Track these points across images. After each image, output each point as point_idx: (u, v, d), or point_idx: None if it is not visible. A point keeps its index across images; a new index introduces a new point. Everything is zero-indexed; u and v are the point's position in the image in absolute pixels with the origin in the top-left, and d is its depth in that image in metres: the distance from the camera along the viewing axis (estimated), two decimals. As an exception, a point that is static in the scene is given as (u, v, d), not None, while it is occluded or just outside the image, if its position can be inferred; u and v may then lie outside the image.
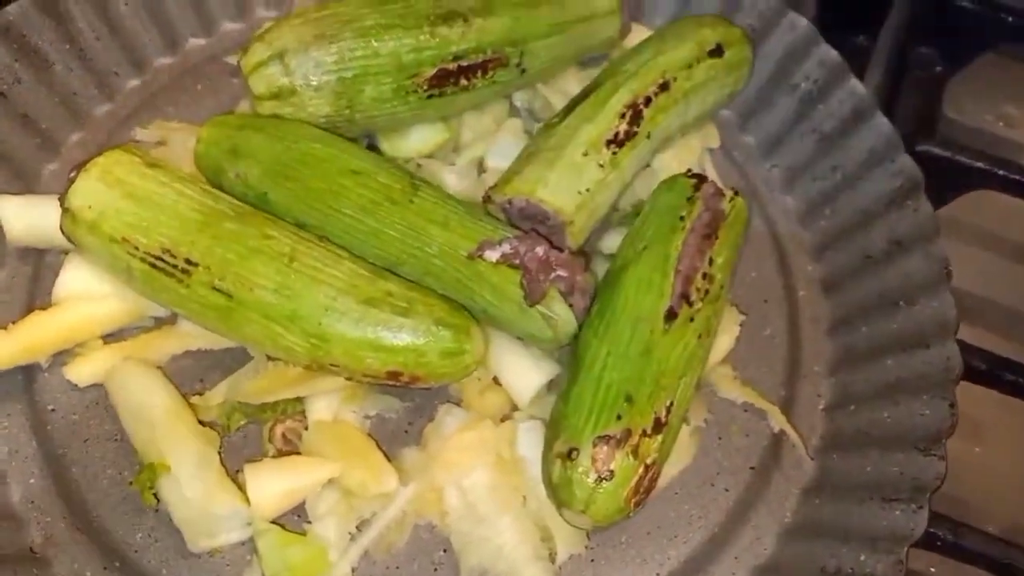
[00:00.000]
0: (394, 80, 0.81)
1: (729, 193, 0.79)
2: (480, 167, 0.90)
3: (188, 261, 0.70)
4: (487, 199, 0.80)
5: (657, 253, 0.74)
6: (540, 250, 0.74)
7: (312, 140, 0.77)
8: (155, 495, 0.71)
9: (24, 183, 0.88)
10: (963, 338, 0.79)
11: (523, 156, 0.82)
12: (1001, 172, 0.96)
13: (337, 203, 0.74)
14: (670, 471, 0.76)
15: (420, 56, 0.81)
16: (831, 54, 0.92)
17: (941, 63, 1.16)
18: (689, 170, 0.84)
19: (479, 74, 0.84)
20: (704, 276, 0.74)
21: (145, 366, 0.76)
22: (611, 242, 0.85)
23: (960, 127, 1.13)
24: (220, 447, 0.74)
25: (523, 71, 0.88)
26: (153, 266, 0.71)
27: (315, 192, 0.74)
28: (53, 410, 0.77)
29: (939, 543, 0.77)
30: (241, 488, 0.72)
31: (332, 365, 0.70)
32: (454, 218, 0.74)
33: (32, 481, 0.75)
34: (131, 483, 0.72)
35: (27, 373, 0.78)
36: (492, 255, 0.73)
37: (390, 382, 0.71)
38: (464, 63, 0.83)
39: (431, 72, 0.82)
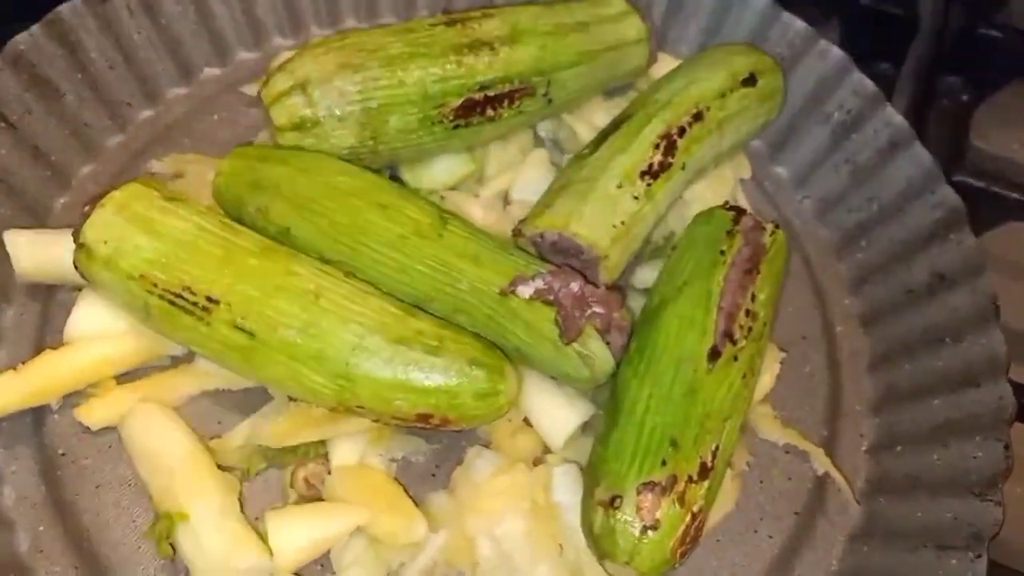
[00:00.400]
0: (420, 110, 0.78)
1: (769, 226, 0.76)
2: (506, 199, 0.88)
3: (209, 299, 0.67)
4: (517, 233, 0.78)
5: (698, 289, 0.71)
6: (575, 286, 0.70)
7: (337, 173, 0.74)
8: (171, 545, 0.67)
9: (34, 217, 0.85)
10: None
11: (554, 188, 0.79)
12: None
13: (364, 238, 0.71)
14: (712, 517, 0.72)
15: (446, 86, 0.79)
16: (865, 83, 0.90)
17: (967, 91, 1.14)
18: (726, 202, 0.81)
19: (506, 104, 0.82)
20: (747, 313, 0.71)
21: (161, 409, 0.72)
22: (644, 276, 0.82)
23: (986, 156, 1.10)
24: (239, 493, 0.71)
25: (550, 101, 0.85)
26: (172, 304, 0.67)
27: (341, 227, 0.71)
28: (64, 454, 0.73)
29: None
30: (262, 537, 0.68)
31: (359, 407, 0.67)
32: (485, 253, 0.71)
33: (41, 529, 0.71)
34: (146, 532, 0.69)
35: (37, 415, 0.75)
36: (525, 291, 0.70)
37: (419, 424, 0.68)
38: (491, 93, 0.81)
39: (458, 102, 0.79)
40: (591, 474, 0.67)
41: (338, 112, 0.75)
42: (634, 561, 0.63)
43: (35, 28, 0.86)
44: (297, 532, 0.67)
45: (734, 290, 0.71)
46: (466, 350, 0.67)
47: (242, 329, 0.66)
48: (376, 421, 0.70)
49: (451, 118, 0.80)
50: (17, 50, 0.85)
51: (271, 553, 0.67)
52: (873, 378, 0.83)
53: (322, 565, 0.69)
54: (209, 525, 0.66)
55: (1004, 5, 1.17)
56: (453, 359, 0.66)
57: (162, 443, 0.70)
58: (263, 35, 1.00)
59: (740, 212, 0.76)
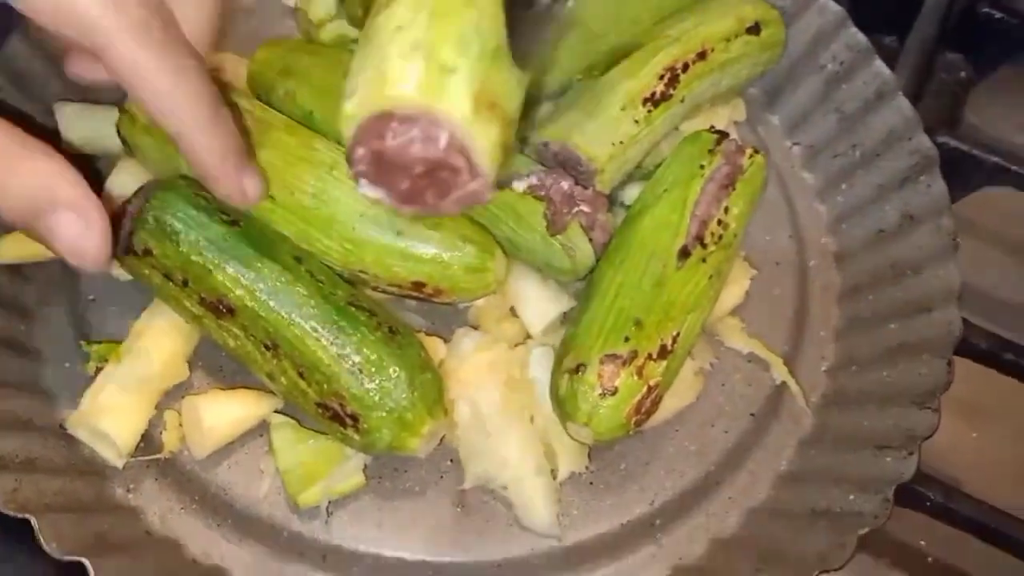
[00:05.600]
0: None
1: (749, 150, 0.83)
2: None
3: (235, 162, 0.74)
4: (523, 139, 0.84)
5: (676, 196, 0.78)
6: (565, 184, 0.77)
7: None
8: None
9: (83, 94, 0.92)
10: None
11: (564, 103, 0.86)
12: (1015, 168, 0.98)
13: (378, 125, 0.78)
14: (672, 406, 0.79)
15: None
16: (859, 37, 0.96)
17: (967, 69, 1.19)
18: (712, 127, 0.87)
19: None
20: (719, 223, 0.78)
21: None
22: (631, 193, 0.88)
23: (981, 133, 1.15)
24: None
25: None
26: (202, 166, 0.75)
27: (358, 113, 0.79)
28: (93, 300, 0.82)
29: (929, 503, 0.79)
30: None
31: (361, 271, 0.74)
32: (486, 150, 0.78)
33: (67, 365, 0.79)
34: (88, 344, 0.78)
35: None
36: (519, 185, 0.77)
37: (414, 293, 0.75)
38: None
39: None
40: (562, 347, 0.74)
41: None
42: (592, 422, 0.70)
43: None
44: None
45: (709, 201, 0.78)
46: (460, 228, 0.74)
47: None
48: (375, 289, 0.77)
49: None
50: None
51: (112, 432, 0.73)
52: (840, 308, 0.90)
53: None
54: (119, 376, 0.74)
55: (1009, -12, 1.22)
56: (448, 234, 0.73)
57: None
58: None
59: (723, 135, 0.83)
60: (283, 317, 0.70)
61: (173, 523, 0.73)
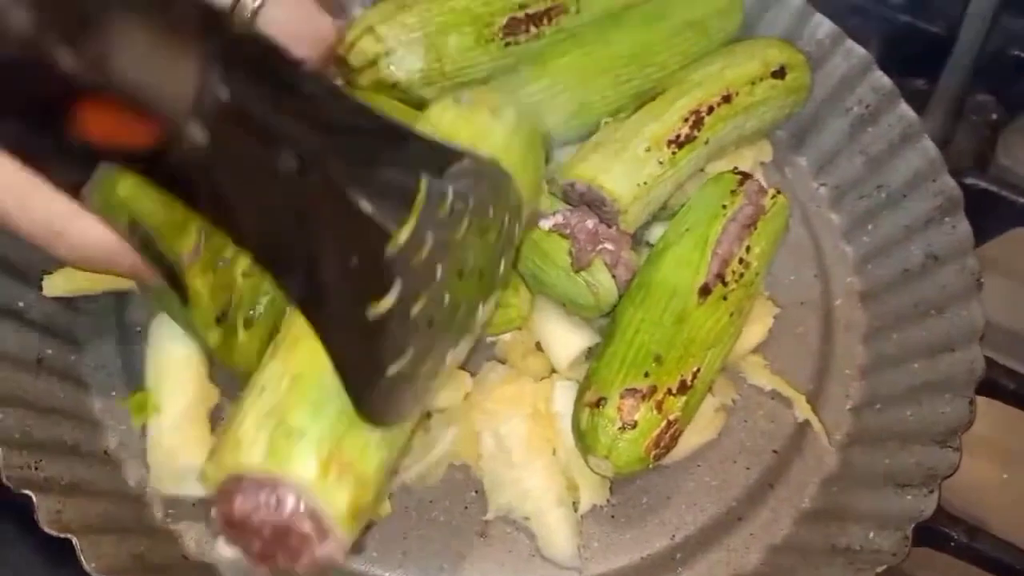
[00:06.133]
0: (473, 30, 0.91)
1: (772, 191, 0.84)
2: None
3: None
4: (551, 180, 0.87)
5: (697, 235, 0.80)
6: (590, 223, 0.80)
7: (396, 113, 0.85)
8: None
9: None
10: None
11: (590, 145, 0.89)
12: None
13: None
14: (694, 441, 0.80)
15: (491, 8, 0.92)
16: (884, 80, 0.97)
17: (997, 110, 1.20)
18: (735, 168, 0.89)
19: (545, 21, 0.94)
20: (740, 261, 0.80)
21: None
22: (656, 232, 0.90)
23: (1011, 173, 1.16)
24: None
25: (579, 12, 0.97)
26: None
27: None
28: (139, 331, 0.85)
29: (952, 543, 0.79)
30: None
31: (391, 306, 0.77)
32: (514, 190, 0.81)
33: (114, 393, 0.82)
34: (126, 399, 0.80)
35: (119, 298, 0.86)
36: (545, 224, 0.80)
37: (441, 328, 0.78)
38: (530, 11, 0.94)
39: (503, 21, 0.92)
40: (584, 382, 0.76)
41: (404, 39, 0.88)
42: (612, 455, 0.71)
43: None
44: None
45: (731, 240, 0.80)
46: (486, 266, 0.77)
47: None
48: (404, 324, 0.80)
49: (501, 36, 0.92)
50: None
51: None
52: (866, 348, 0.90)
53: (346, 445, 0.79)
54: (165, 421, 0.77)
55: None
56: (474, 271, 0.76)
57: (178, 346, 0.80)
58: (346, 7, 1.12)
59: (746, 176, 0.85)
60: None
61: (209, 548, 0.76)
